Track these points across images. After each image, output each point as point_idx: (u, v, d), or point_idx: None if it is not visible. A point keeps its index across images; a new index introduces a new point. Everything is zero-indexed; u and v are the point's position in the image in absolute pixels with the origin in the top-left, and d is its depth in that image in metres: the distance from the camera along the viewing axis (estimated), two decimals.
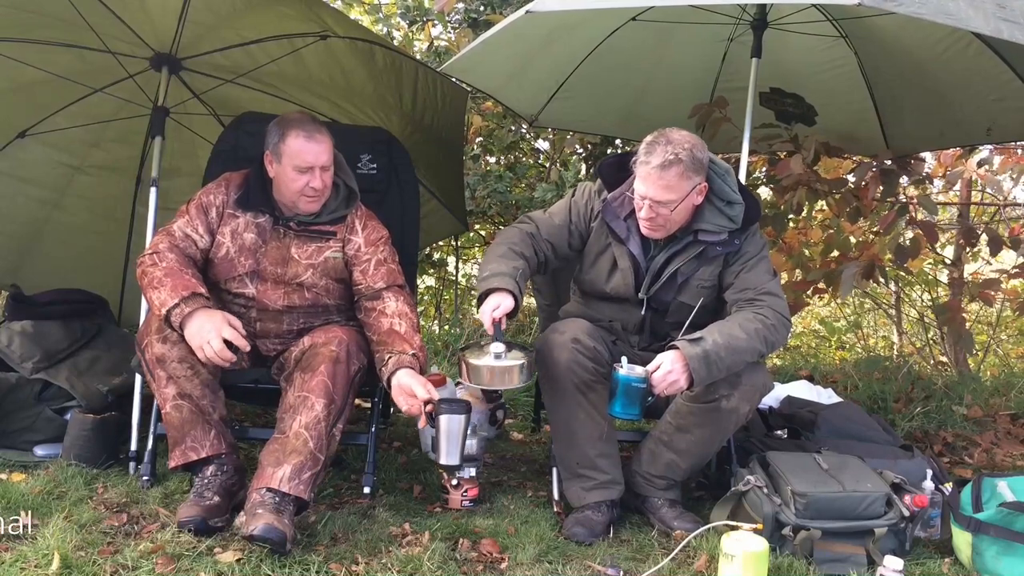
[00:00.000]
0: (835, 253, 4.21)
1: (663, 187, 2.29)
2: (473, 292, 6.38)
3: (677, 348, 2.24)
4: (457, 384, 3.39)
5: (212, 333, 2.21)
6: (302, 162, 2.43)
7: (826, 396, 3.54)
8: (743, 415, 2.43)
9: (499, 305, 2.29)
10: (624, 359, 2.27)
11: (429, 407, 2.24)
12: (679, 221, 2.40)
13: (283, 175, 2.47)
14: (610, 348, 2.47)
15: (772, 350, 2.46)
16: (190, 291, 2.29)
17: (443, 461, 2.33)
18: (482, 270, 2.42)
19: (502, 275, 2.35)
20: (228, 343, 2.22)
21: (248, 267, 2.51)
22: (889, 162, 3.73)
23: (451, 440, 2.31)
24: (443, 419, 2.30)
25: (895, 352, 6.16)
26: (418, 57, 4.44)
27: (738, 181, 2.47)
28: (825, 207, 4.38)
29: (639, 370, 2.24)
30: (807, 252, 4.41)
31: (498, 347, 2.26)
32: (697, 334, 2.27)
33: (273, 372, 2.54)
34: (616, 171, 2.51)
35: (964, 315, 4.41)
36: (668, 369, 2.22)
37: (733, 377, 2.33)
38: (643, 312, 2.51)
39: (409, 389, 2.23)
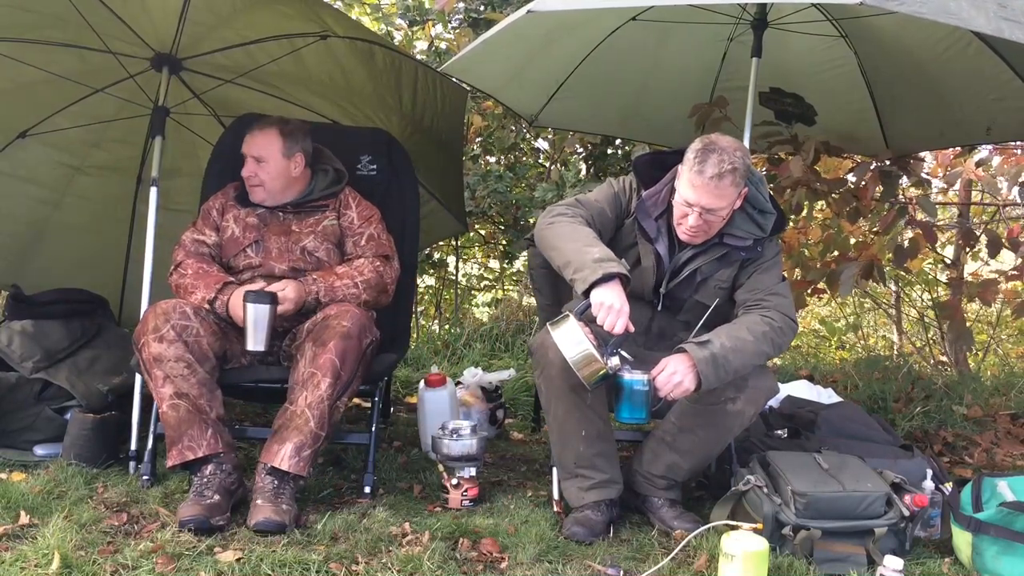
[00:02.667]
0: (835, 253, 4.21)
1: (717, 196, 2.27)
2: (474, 292, 6.39)
3: (684, 351, 2.24)
4: (457, 384, 3.40)
5: (241, 295, 2.50)
6: (242, 149, 2.75)
7: (826, 396, 3.53)
8: (748, 418, 2.43)
9: (626, 303, 2.15)
10: (627, 365, 2.26)
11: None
12: (720, 226, 2.39)
13: None
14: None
15: (778, 352, 2.47)
16: (221, 282, 2.59)
17: (248, 347, 2.46)
18: (579, 252, 2.23)
19: (613, 260, 2.21)
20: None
21: (252, 238, 2.73)
22: (888, 162, 3.73)
23: (256, 326, 2.44)
24: (249, 307, 2.44)
25: (895, 352, 6.16)
26: (418, 57, 4.44)
27: (769, 192, 2.43)
28: (825, 206, 4.37)
29: (641, 374, 2.24)
30: (806, 252, 4.41)
31: (615, 361, 2.18)
32: (704, 337, 2.26)
33: (285, 344, 2.64)
34: (650, 168, 2.49)
35: (964, 314, 4.40)
36: (672, 371, 2.21)
37: (739, 380, 2.33)
38: (657, 310, 2.51)
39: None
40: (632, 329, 2.18)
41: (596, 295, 2.17)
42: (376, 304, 2.71)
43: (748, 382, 2.35)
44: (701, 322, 2.36)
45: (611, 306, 2.15)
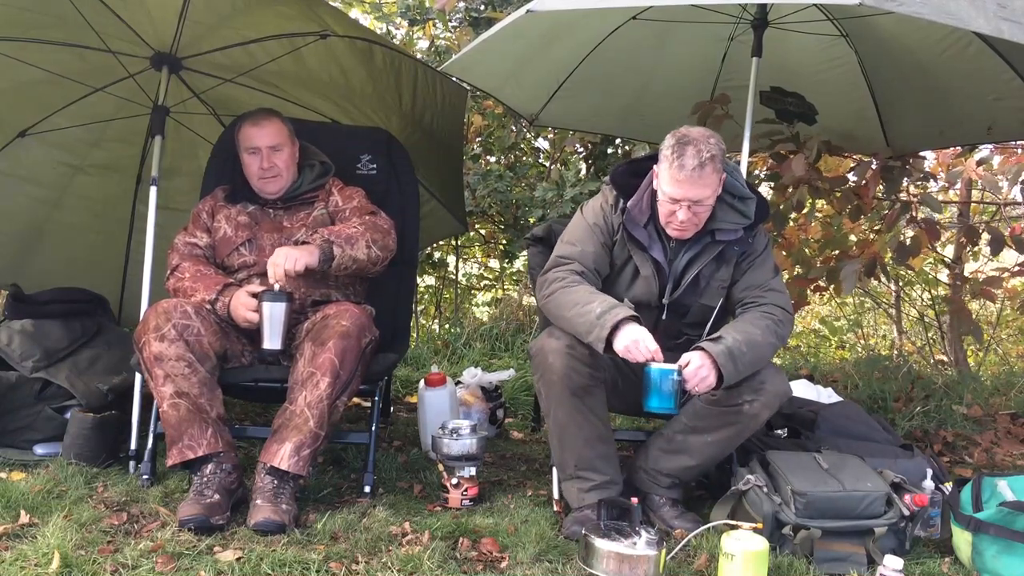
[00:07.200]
0: (836, 251, 4.21)
1: (701, 186, 2.28)
2: (473, 291, 6.39)
3: (702, 348, 2.26)
4: (457, 384, 3.40)
5: (243, 296, 2.54)
6: (250, 145, 2.75)
7: (826, 395, 3.53)
8: (762, 421, 2.45)
9: (644, 331, 2.21)
10: (652, 361, 2.25)
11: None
12: (707, 215, 2.39)
13: (243, 162, 2.79)
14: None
15: (782, 343, 2.51)
16: (221, 284, 2.60)
17: (265, 345, 2.47)
18: (582, 317, 2.27)
19: (616, 306, 2.26)
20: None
21: (245, 237, 2.74)
22: (889, 160, 3.73)
23: (272, 325, 2.46)
24: (265, 306, 2.46)
25: (895, 351, 6.15)
26: (419, 56, 4.43)
27: (744, 180, 2.46)
28: (826, 204, 4.37)
29: (670, 364, 2.24)
30: (807, 251, 4.40)
31: (645, 538, 2.07)
32: (715, 334, 2.30)
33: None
34: (628, 178, 2.48)
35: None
36: (699, 365, 2.24)
37: (757, 383, 2.35)
38: (662, 316, 2.51)
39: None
40: (661, 358, 2.21)
41: (616, 346, 2.22)
42: (384, 246, 2.70)
43: (765, 385, 2.36)
44: (708, 325, 2.38)
45: (633, 342, 2.20)
